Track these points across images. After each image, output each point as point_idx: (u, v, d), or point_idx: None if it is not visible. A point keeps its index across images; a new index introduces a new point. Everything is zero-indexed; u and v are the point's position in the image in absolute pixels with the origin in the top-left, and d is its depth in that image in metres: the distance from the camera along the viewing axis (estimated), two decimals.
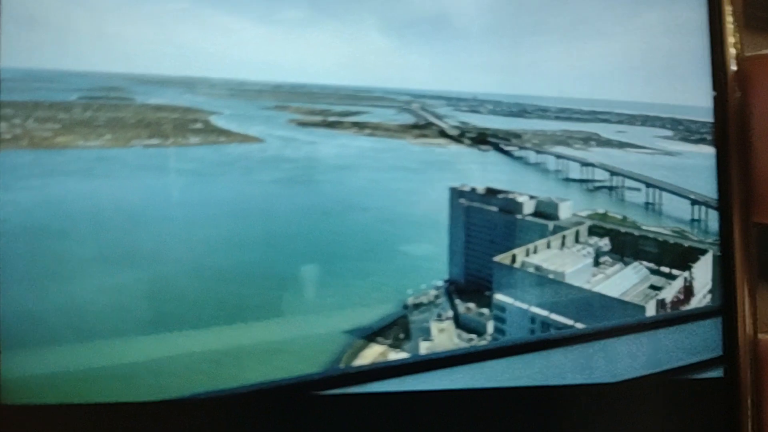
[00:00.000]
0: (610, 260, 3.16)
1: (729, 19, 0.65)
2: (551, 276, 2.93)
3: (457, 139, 3.21)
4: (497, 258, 2.68)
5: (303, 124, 2.74)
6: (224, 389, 0.66)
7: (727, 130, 0.68)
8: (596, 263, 3.21)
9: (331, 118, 2.64)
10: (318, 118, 2.60)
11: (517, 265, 2.91)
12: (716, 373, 0.71)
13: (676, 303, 2.68)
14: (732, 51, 0.64)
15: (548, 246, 3.25)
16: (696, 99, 0.79)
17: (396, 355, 1.95)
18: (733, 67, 0.62)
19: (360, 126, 2.82)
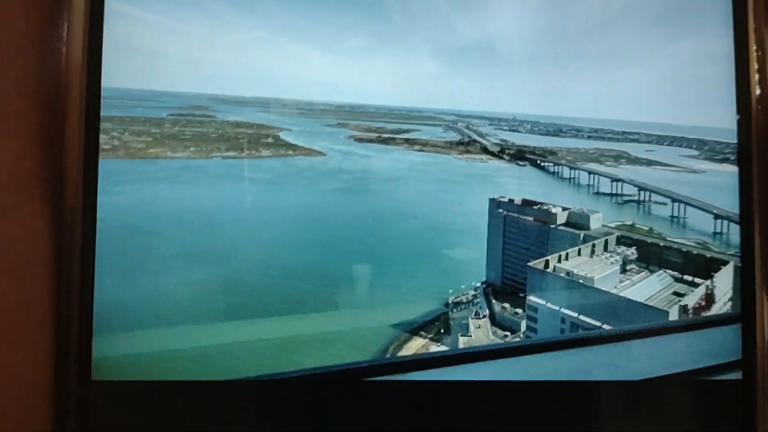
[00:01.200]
0: (637, 268, 3.09)
1: (753, 47, 0.62)
2: (581, 281, 2.88)
3: (498, 155, 3.16)
4: (531, 263, 2.63)
5: (360, 140, 2.74)
6: (286, 372, 0.66)
7: (750, 150, 0.65)
8: (623, 270, 3.15)
9: (385, 135, 2.63)
10: (374, 135, 2.60)
11: (549, 270, 2.86)
12: (735, 375, 0.68)
13: (698, 309, 2.60)
14: (756, 77, 0.61)
15: (579, 253, 3.20)
16: (721, 121, 0.76)
17: (437, 348, 1.93)
18: (757, 91, 0.59)
19: (411, 142, 2.80)
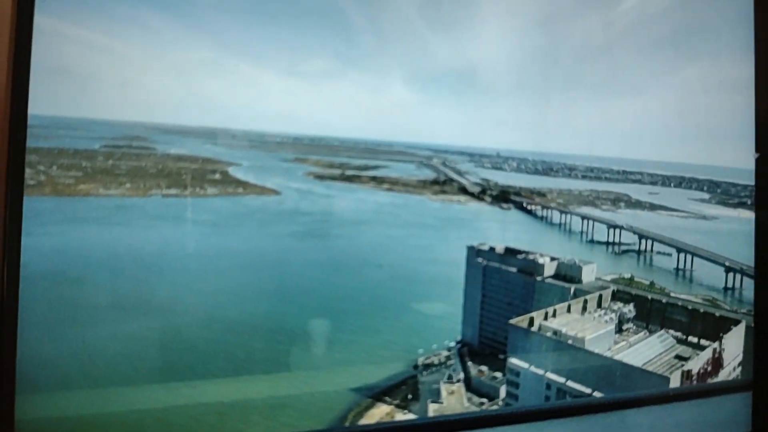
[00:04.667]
0: (635, 327, 3.27)
1: None
2: (570, 342, 3.02)
3: (478, 196, 3.33)
4: (514, 320, 2.74)
5: (321, 178, 2.80)
6: None
7: None
8: (619, 330, 3.33)
9: (350, 172, 2.70)
10: (336, 172, 2.66)
11: (534, 328, 3.00)
12: None
13: (704, 375, 2.75)
14: None
15: (568, 310, 3.36)
16: (737, 160, 0.77)
17: (403, 416, 1.96)
18: None
19: (378, 180, 2.88)
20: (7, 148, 0.54)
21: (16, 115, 0.54)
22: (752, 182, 0.85)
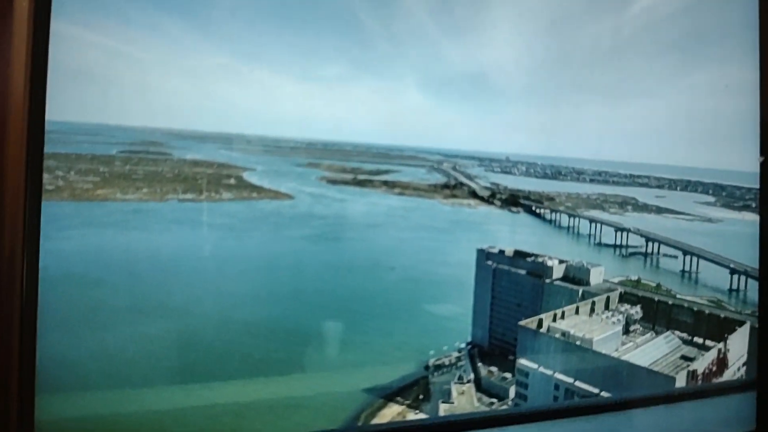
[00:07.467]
0: (641, 329, 3.26)
1: None
2: (578, 342, 3.01)
3: (488, 200, 3.33)
4: (523, 322, 2.73)
5: (333, 182, 2.80)
6: None
7: None
8: (626, 331, 3.31)
9: (362, 177, 2.70)
10: (349, 176, 2.67)
11: (543, 330, 2.99)
12: None
13: (709, 375, 2.73)
14: None
15: (576, 312, 3.35)
16: (742, 164, 0.77)
17: (415, 416, 1.96)
18: None
19: (390, 185, 2.88)
20: (25, 154, 0.53)
21: (35, 120, 0.54)
22: (757, 185, 0.84)
